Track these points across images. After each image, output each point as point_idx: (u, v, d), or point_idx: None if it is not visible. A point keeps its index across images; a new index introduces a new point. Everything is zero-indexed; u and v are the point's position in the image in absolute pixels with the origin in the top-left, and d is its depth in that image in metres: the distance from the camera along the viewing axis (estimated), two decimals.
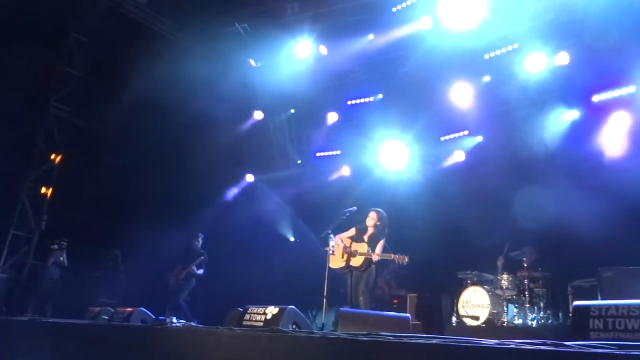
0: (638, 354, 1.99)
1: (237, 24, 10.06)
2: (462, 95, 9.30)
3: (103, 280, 9.96)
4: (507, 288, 7.51)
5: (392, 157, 10.02)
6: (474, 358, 2.41)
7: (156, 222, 9.34)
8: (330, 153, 11.43)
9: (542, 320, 7.15)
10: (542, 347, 2.29)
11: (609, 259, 6.51)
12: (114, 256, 10.33)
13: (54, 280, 9.46)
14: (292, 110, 11.65)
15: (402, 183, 9.76)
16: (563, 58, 8.14)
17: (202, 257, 8.87)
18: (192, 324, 6.08)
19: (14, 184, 10.18)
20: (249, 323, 4.93)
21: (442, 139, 9.95)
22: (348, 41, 9.49)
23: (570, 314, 5.41)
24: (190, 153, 10.44)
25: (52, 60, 10.49)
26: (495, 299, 7.40)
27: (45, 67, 10.32)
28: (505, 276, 7.55)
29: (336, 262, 6.75)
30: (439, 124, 9.79)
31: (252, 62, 10.55)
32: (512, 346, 2.39)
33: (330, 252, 6.61)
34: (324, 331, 5.06)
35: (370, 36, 9.38)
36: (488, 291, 7.41)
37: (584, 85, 8.30)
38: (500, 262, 7.78)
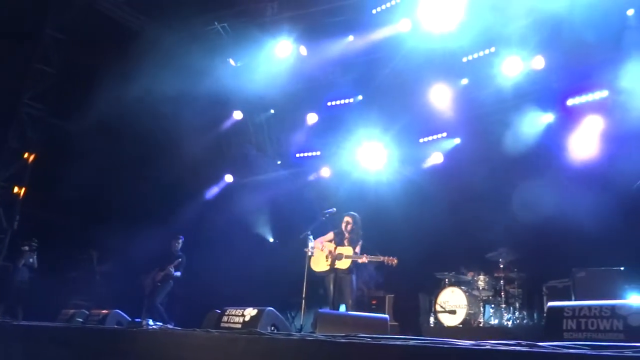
0: (608, 354, 2.04)
1: (216, 23, 9.99)
2: (440, 97, 9.40)
3: (78, 281, 9.78)
4: (483, 289, 7.62)
5: (371, 158, 10.07)
6: (451, 359, 2.44)
7: (132, 223, 9.20)
8: (310, 154, 11.43)
9: (518, 321, 7.27)
10: (517, 348, 2.33)
11: (583, 260, 6.66)
12: (90, 257, 10.15)
13: (23, 282, 9.25)
14: (272, 111, 11.63)
15: (381, 184, 9.83)
16: (539, 62, 8.30)
17: (181, 259, 8.76)
18: (169, 326, 6.00)
19: None
20: (226, 325, 4.89)
21: (421, 140, 10.06)
22: (328, 42, 9.51)
23: (545, 315, 5.51)
24: (168, 153, 10.31)
25: (26, 57, 10.25)
26: (472, 300, 7.51)
27: (19, 64, 10.09)
28: (482, 277, 7.66)
29: (319, 265, 6.77)
30: (417, 125, 9.89)
31: (231, 61, 10.48)
32: (488, 347, 2.42)
33: (310, 253, 6.61)
34: (302, 333, 5.05)
35: (350, 37, 9.41)
36: (465, 292, 7.51)
37: (559, 89, 8.48)
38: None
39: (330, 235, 6.97)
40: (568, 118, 8.34)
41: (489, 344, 2.50)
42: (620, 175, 6.63)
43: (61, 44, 10.45)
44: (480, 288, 7.64)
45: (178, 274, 8.75)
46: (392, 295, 8.40)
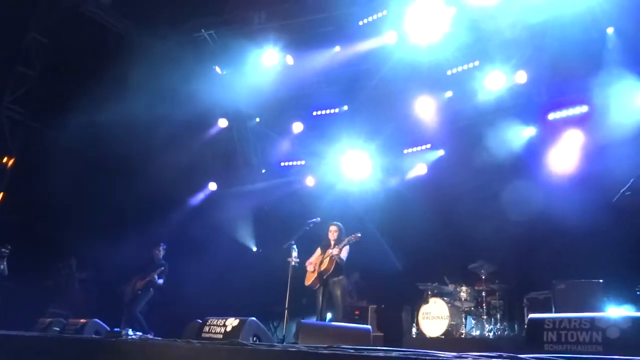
0: None
1: (203, 31, 9.97)
2: (425, 109, 9.51)
3: (55, 289, 9.56)
4: (465, 300, 7.66)
5: (355, 168, 10.10)
6: None
7: (113, 230, 9.05)
8: (295, 163, 11.43)
9: (499, 332, 7.31)
10: None
11: (563, 272, 6.75)
12: (69, 264, 9.93)
13: None
14: (257, 119, 11.61)
15: (365, 194, 9.86)
16: (521, 77, 8.46)
17: (163, 267, 8.65)
18: (149, 336, 5.92)
19: None
20: (208, 335, 4.84)
21: (405, 151, 10.13)
22: (314, 52, 9.57)
23: (526, 326, 5.56)
24: (152, 160, 10.19)
25: (8, 60, 10.08)
26: (455, 311, 7.53)
27: (1, 67, 9.92)
28: (464, 288, 7.71)
29: (310, 280, 6.88)
30: (402, 136, 9.97)
31: (217, 69, 10.47)
32: (470, 359, 2.43)
33: (293, 263, 6.60)
34: (284, 344, 5.01)
35: (337, 48, 9.49)
36: (447, 303, 7.54)
37: (541, 103, 8.66)
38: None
39: (317, 251, 7.04)
40: (549, 132, 8.49)
41: (471, 356, 2.51)
42: (599, 188, 6.76)
43: (44, 47, 10.32)
44: (463, 299, 7.67)
45: (161, 281, 8.63)
46: (375, 306, 8.39)
